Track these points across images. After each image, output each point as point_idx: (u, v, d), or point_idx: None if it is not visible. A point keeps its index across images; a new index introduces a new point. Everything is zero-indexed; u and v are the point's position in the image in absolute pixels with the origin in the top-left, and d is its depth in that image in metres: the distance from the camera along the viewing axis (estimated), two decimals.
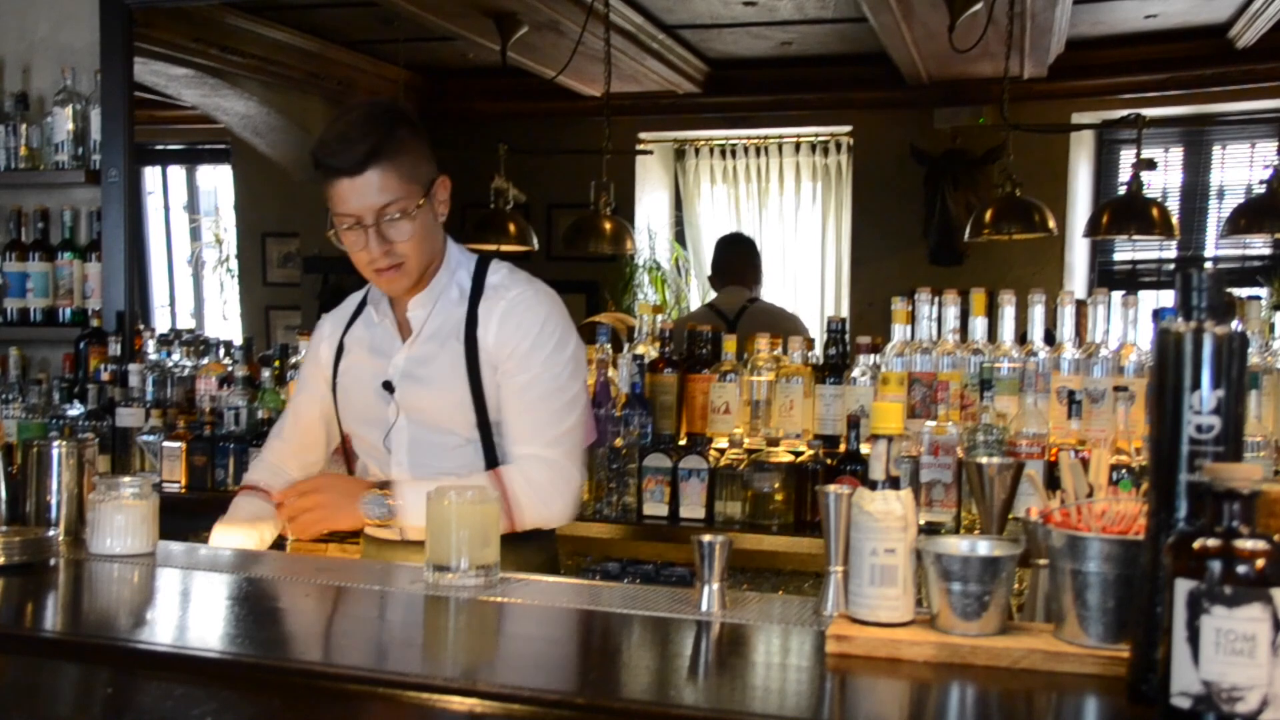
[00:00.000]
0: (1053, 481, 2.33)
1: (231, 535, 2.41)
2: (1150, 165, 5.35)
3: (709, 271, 5.29)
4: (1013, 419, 2.85)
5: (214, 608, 1.86)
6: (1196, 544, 1.17)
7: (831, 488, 1.68)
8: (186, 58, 5.89)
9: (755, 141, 7.92)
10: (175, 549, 2.19)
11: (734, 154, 8.01)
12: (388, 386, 2.32)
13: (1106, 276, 7.10)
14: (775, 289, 7.27)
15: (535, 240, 5.94)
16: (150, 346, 3.99)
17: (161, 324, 8.21)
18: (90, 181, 4.13)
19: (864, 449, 2.99)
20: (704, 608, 1.72)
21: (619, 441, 3.21)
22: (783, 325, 4.30)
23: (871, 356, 3.23)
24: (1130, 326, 3.09)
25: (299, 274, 7.67)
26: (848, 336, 3.29)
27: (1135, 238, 5.98)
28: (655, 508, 3.20)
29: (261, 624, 1.79)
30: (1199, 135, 7.02)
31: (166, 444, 3.62)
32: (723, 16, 6.11)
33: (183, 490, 3.57)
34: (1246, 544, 1.15)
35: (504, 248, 5.56)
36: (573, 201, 6.36)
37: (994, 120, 6.14)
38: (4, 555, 1.96)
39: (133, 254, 4.22)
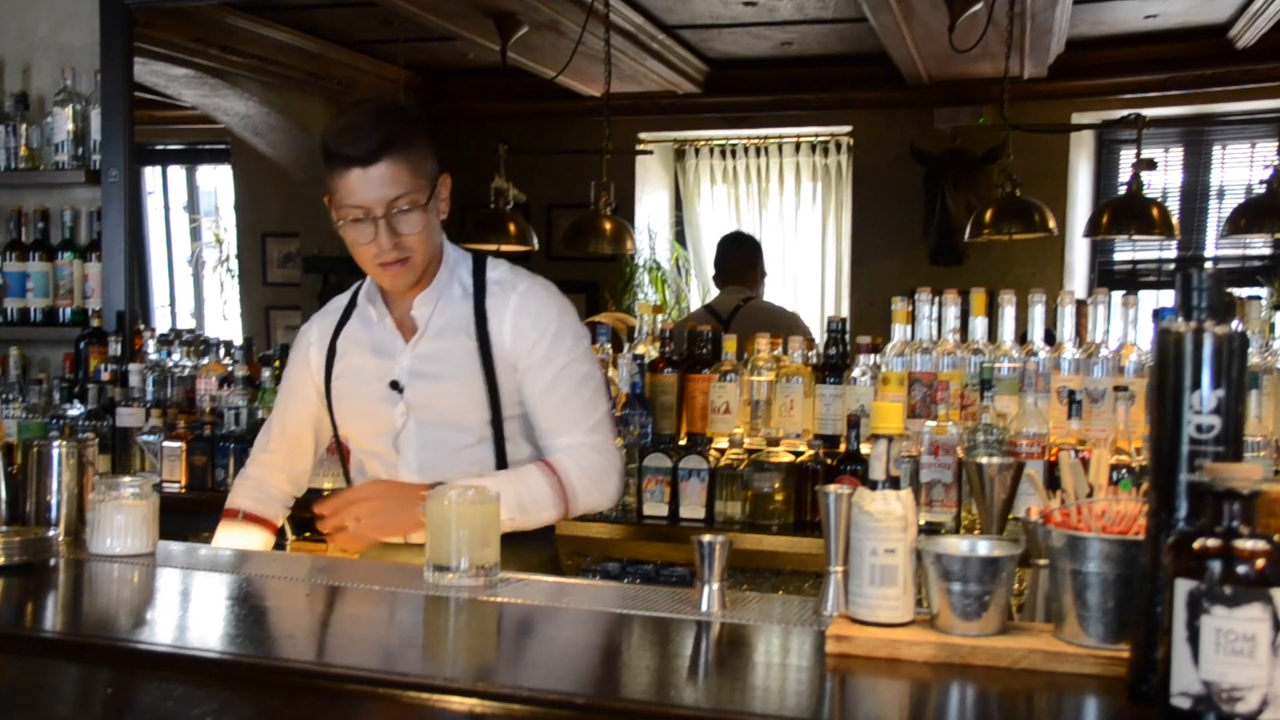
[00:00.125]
0: (1053, 481, 2.33)
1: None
2: (1150, 165, 5.35)
3: (712, 271, 5.30)
4: (1013, 419, 2.85)
5: (214, 608, 1.86)
6: (1196, 544, 1.17)
7: (831, 488, 1.68)
8: (186, 58, 5.89)
9: (755, 141, 7.93)
10: (175, 549, 2.19)
11: (734, 154, 8.01)
12: (395, 386, 2.29)
13: (1107, 276, 7.10)
14: (775, 289, 7.27)
15: (535, 240, 5.94)
16: (150, 346, 3.99)
17: (161, 324, 8.21)
18: (90, 181, 4.13)
19: (864, 449, 2.99)
20: (704, 608, 1.72)
21: (619, 441, 3.20)
22: (779, 323, 4.30)
23: (871, 356, 3.23)
24: (1130, 326, 3.09)
25: (299, 274, 7.67)
26: (848, 336, 3.29)
27: (1135, 238, 5.98)
28: (655, 508, 3.20)
29: (262, 624, 1.79)
30: (1199, 135, 7.02)
31: (166, 444, 3.62)
32: (723, 16, 6.11)
33: (183, 490, 3.57)
34: (1246, 544, 1.15)
35: (504, 248, 5.56)
36: (573, 201, 6.36)
37: (994, 120, 6.14)
38: (4, 555, 1.96)
39: (133, 254, 4.22)
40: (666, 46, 6.44)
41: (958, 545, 1.53)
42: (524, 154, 6.14)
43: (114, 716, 1.48)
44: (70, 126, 4.14)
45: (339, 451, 2.53)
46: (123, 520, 2.08)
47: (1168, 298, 6.36)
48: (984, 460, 1.84)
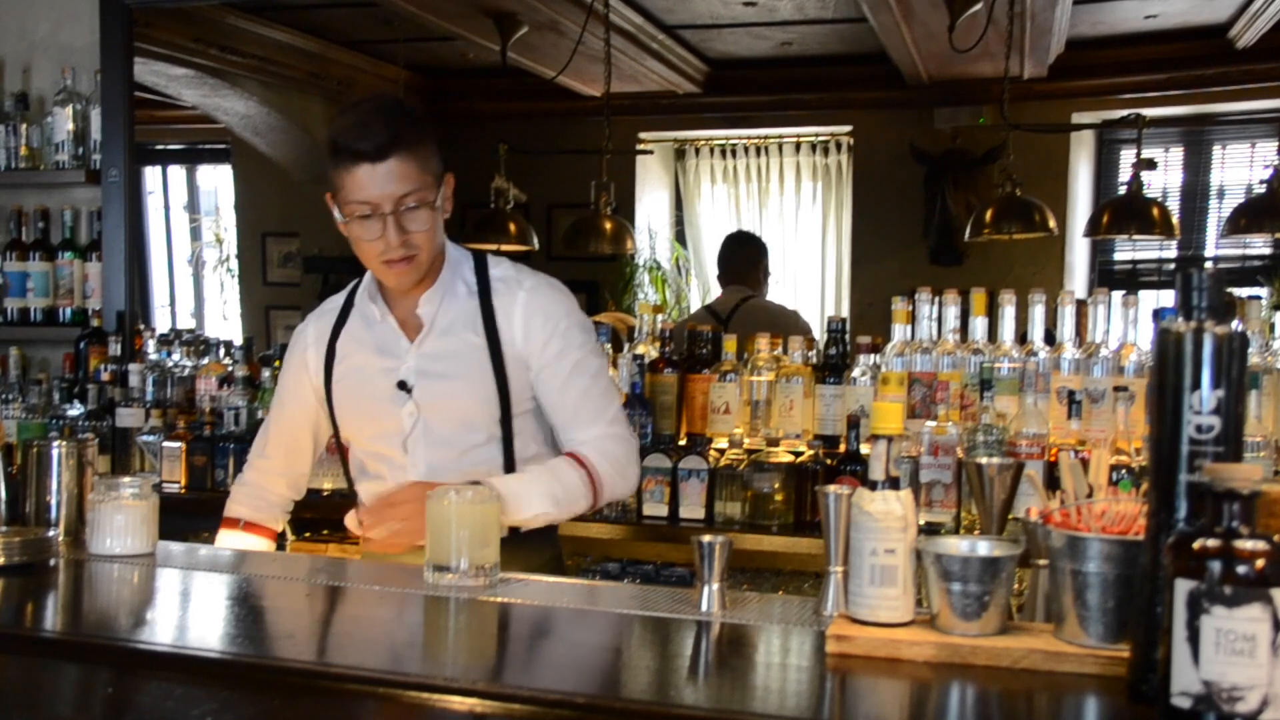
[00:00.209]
0: (1053, 481, 2.33)
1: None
2: (1150, 165, 5.35)
3: (712, 271, 5.30)
4: (1013, 419, 2.85)
5: (214, 608, 1.86)
6: (1196, 544, 1.17)
7: (831, 488, 1.68)
8: (186, 58, 5.88)
9: (755, 141, 7.93)
10: (175, 549, 2.19)
11: (734, 154, 8.01)
12: (403, 387, 2.26)
13: (1107, 276, 7.10)
14: (776, 289, 7.27)
15: (535, 240, 5.94)
16: (150, 346, 3.99)
17: (161, 324, 8.21)
18: (90, 181, 4.13)
19: (864, 449, 2.99)
20: (704, 608, 1.72)
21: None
22: (778, 322, 4.30)
23: (871, 356, 3.23)
24: (1130, 326, 3.09)
25: (299, 274, 7.67)
26: (848, 336, 3.29)
27: (1135, 238, 5.98)
28: (655, 508, 3.20)
29: (261, 624, 1.79)
30: (1199, 135, 7.02)
31: (166, 444, 3.62)
32: (723, 16, 6.11)
33: (183, 490, 3.57)
34: (1246, 544, 1.15)
35: (504, 248, 5.56)
36: (573, 201, 6.36)
37: (994, 120, 6.14)
38: (4, 555, 1.96)
39: (133, 254, 4.22)
40: (666, 46, 6.44)
41: (958, 545, 1.53)
42: (524, 154, 6.14)
43: (114, 716, 1.48)
44: (70, 126, 4.14)
45: (339, 451, 2.50)
46: (123, 520, 2.08)
47: (1168, 298, 6.36)
48: (984, 460, 1.84)
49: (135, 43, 4.26)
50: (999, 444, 2.75)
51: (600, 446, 2.28)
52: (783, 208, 7.96)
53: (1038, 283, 3.49)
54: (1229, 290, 2.32)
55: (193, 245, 8.72)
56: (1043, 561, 1.65)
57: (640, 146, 7.55)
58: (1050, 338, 3.19)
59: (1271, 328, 3.20)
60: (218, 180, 8.59)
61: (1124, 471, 2.62)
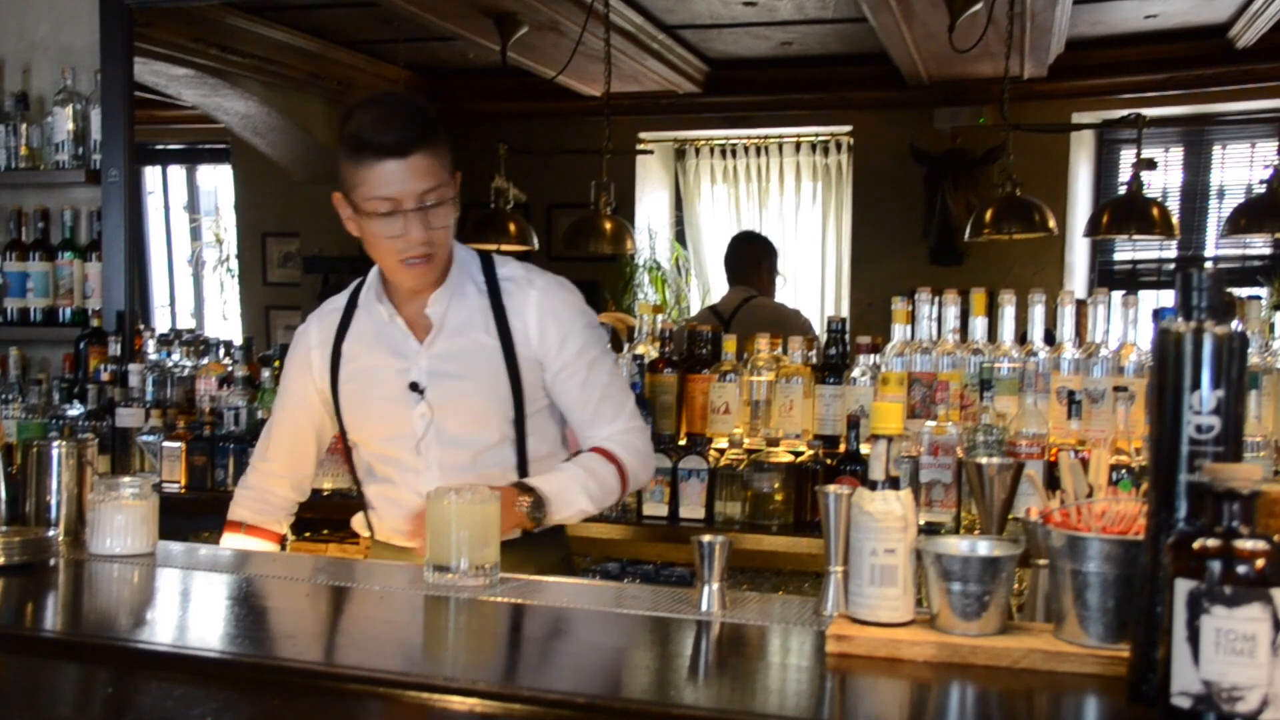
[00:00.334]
0: (1053, 481, 2.33)
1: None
2: (1150, 165, 5.35)
3: (711, 271, 5.30)
4: (1013, 419, 2.85)
5: (214, 608, 1.86)
6: (1196, 544, 1.17)
7: (831, 488, 1.68)
8: (186, 58, 5.88)
9: (755, 141, 7.93)
10: (175, 549, 2.19)
11: (734, 154, 8.01)
12: (415, 388, 2.24)
13: (1107, 276, 7.10)
14: (776, 288, 7.27)
15: (535, 240, 5.94)
16: (150, 346, 3.99)
17: (161, 324, 8.21)
18: (90, 181, 4.13)
19: (864, 449, 2.99)
20: (704, 608, 1.72)
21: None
22: (780, 322, 4.30)
23: (871, 356, 3.23)
24: (1130, 326, 3.08)
25: (299, 274, 7.67)
26: (848, 336, 3.29)
27: (1135, 237, 5.98)
28: (655, 508, 3.20)
29: (262, 624, 1.79)
30: (1199, 135, 7.02)
31: (166, 444, 3.62)
32: (723, 16, 6.11)
33: (183, 490, 3.57)
34: (1246, 544, 1.15)
35: (504, 248, 5.56)
36: (573, 201, 6.36)
37: (994, 120, 6.14)
38: (4, 555, 1.96)
39: (133, 254, 4.22)
40: (666, 46, 6.44)
41: (958, 545, 1.53)
42: (524, 154, 6.14)
43: (114, 716, 1.48)
44: (70, 126, 4.13)
45: (345, 453, 2.48)
46: (123, 520, 2.08)
47: (1168, 298, 6.36)
48: (984, 460, 1.84)
49: (135, 43, 4.25)
50: (999, 444, 2.75)
51: (624, 440, 2.29)
52: (783, 208, 7.96)
53: (1038, 283, 3.49)
54: (1229, 290, 2.32)
55: (193, 245, 8.72)
56: (1043, 561, 1.65)
57: (640, 146, 7.55)
58: (1050, 338, 3.19)
59: (1271, 328, 3.20)
60: (218, 180, 8.59)
61: (1124, 471, 2.62)
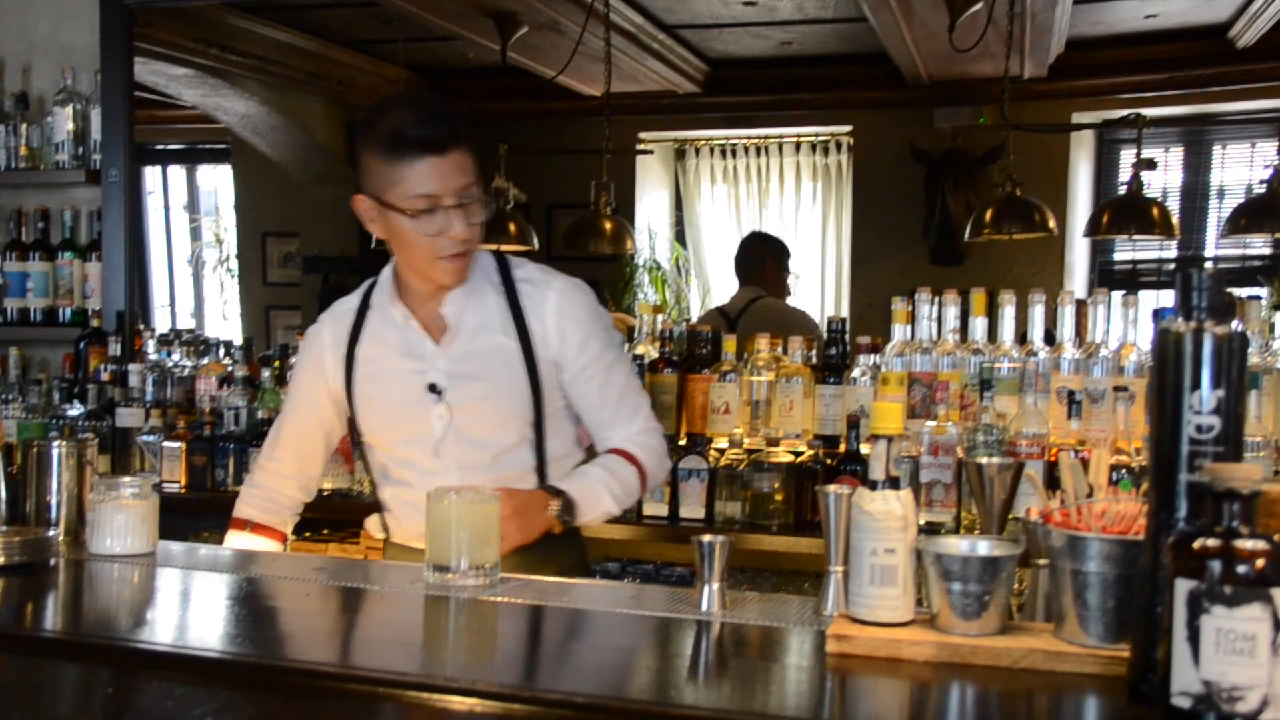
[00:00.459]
0: (1053, 481, 2.33)
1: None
2: (1150, 165, 5.35)
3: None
4: (1013, 419, 2.85)
5: (214, 608, 1.86)
6: (1196, 544, 1.17)
7: (831, 488, 1.68)
8: (186, 58, 5.89)
9: (755, 141, 7.93)
10: (175, 549, 2.19)
11: (734, 154, 8.01)
12: (434, 389, 2.22)
13: (1107, 276, 7.11)
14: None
15: (535, 240, 5.94)
16: (150, 346, 3.99)
17: (161, 324, 8.21)
18: (90, 181, 4.13)
19: (864, 449, 2.99)
20: (704, 608, 1.72)
21: None
22: (785, 322, 4.29)
23: (871, 356, 3.23)
24: (1130, 326, 3.08)
25: (299, 274, 7.67)
26: (848, 336, 3.29)
27: (1135, 237, 5.97)
28: (655, 508, 3.20)
29: (261, 624, 1.79)
30: (1199, 135, 7.02)
31: (166, 444, 3.62)
32: (723, 16, 6.11)
33: (183, 490, 3.57)
34: (1246, 544, 1.15)
35: (504, 248, 5.55)
36: (573, 201, 6.36)
37: (994, 120, 6.14)
38: (4, 555, 1.96)
39: (133, 254, 4.22)
40: (666, 46, 6.44)
41: (958, 545, 1.53)
42: (524, 154, 6.14)
43: (114, 716, 1.48)
44: (70, 126, 4.13)
45: (356, 452, 2.46)
46: (123, 520, 2.08)
47: (1168, 298, 6.36)
48: (984, 460, 1.84)
49: (135, 43, 4.25)
50: (999, 444, 2.75)
51: (642, 441, 2.30)
52: (783, 208, 7.96)
53: (1038, 283, 3.48)
54: (1229, 290, 2.33)
55: (193, 245, 8.73)
56: (1043, 561, 1.65)
57: (640, 146, 7.55)
58: (1050, 338, 3.19)
59: (1271, 328, 3.20)
60: (218, 180, 8.60)
61: (1124, 471, 2.62)
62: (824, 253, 7.86)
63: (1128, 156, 6.82)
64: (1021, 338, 3.13)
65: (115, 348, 3.98)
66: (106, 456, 3.55)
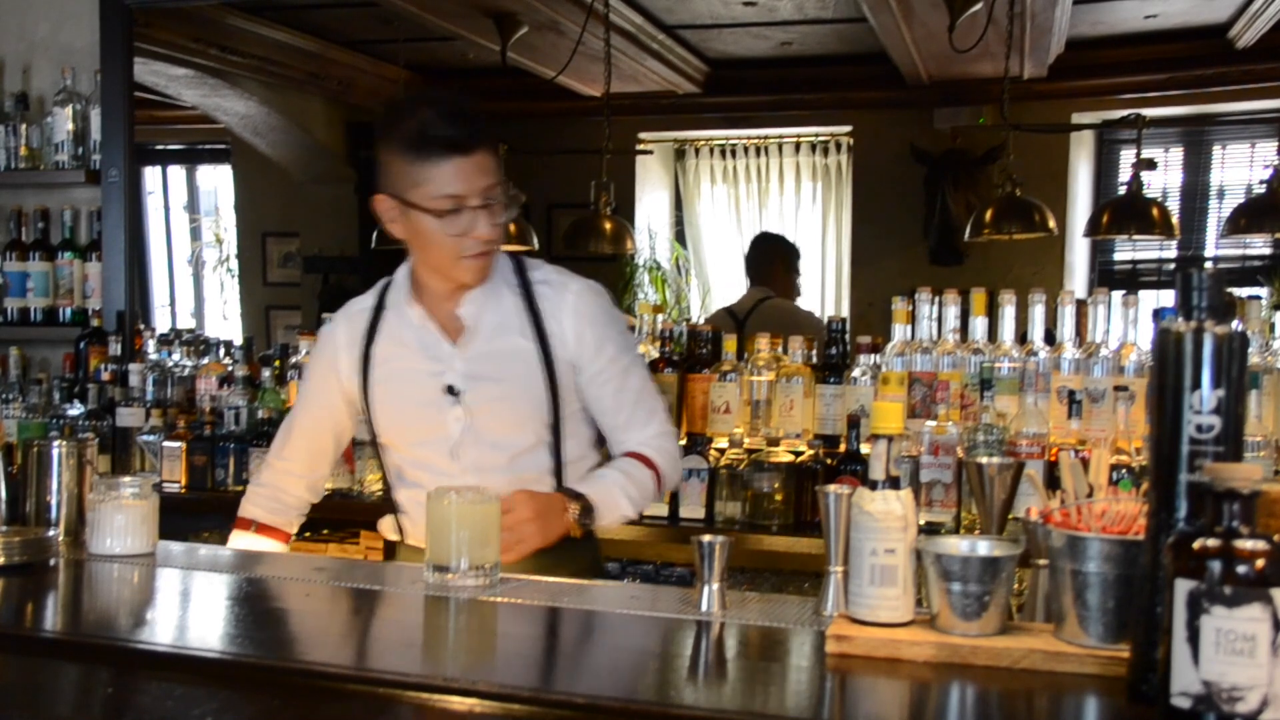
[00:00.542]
0: (1053, 481, 2.33)
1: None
2: (1150, 165, 5.35)
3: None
4: (1013, 419, 2.85)
5: (214, 608, 1.86)
6: (1196, 544, 1.17)
7: (831, 488, 1.68)
8: (186, 58, 5.88)
9: (755, 141, 7.93)
10: (175, 549, 2.18)
11: (734, 154, 8.01)
12: (452, 391, 2.22)
13: (1107, 276, 7.11)
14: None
15: (535, 240, 5.93)
16: (150, 346, 3.99)
17: (162, 324, 8.21)
18: (90, 181, 4.13)
19: (864, 449, 2.99)
20: (704, 608, 1.72)
21: None
22: (793, 323, 4.29)
23: (871, 356, 3.23)
24: (1130, 326, 3.08)
25: (299, 274, 7.67)
26: (848, 336, 3.29)
27: (1135, 237, 5.97)
28: (655, 508, 3.20)
29: (261, 624, 1.79)
30: (1199, 135, 7.02)
31: (166, 444, 3.62)
32: (723, 16, 6.11)
33: (183, 490, 3.57)
34: (1246, 544, 1.15)
35: (504, 248, 5.54)
36: (573, 201, 6.36)
37: (994, 120, 6.14)
38: (4, 555, 1.96)
39: (133, 254, 4.22)
40: (666, 46, 6.44)
41: (958, 545, 1.53)
42: (524, 154, 6.14)
43: (114, 716, 1.48)
44: (70, 126, 4.13)
45: (377, 453, 2.45)
46: (123, 520, 2.08)
47: (1168, 298, 6.36)
48: (984, 460, 1.84)
49: (135, 43, 4.25)
50: (999, 444, 2.75)
51: (658, 445, 2.30)
52: (783, 208, 7.96)
53: (1038, 283, 3.49)
54: (1229, 290, 2.32)
55: (193, 245, 8.73)
56: (1043, 561, 1.65)
57: (640, 146, 7.55)
58: (1050, 338, 3.19)
59: (1271, 328, 3.20)
60: (218, 180, 8.60)
61: (1124, 471, 2.62)
62: (824, 253, 7.86)
63: (1128, 156, 6.82)
64: (1022, 337, 3.14)
65: (115, 347, 3.98)
66: (106, 456, 3.55)
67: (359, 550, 3.43)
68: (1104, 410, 2.94)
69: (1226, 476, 1.18)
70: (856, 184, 7.53)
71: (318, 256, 7.41)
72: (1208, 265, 7.05)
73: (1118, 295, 3.11)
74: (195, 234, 8.73)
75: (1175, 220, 5.52)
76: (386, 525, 2.42)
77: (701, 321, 5.21)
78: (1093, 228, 5.58)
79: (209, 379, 3.80)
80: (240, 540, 2.41)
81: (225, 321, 8.37)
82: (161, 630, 1.75)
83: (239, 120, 6.95)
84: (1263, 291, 5.87)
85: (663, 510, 3.20)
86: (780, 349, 3.40)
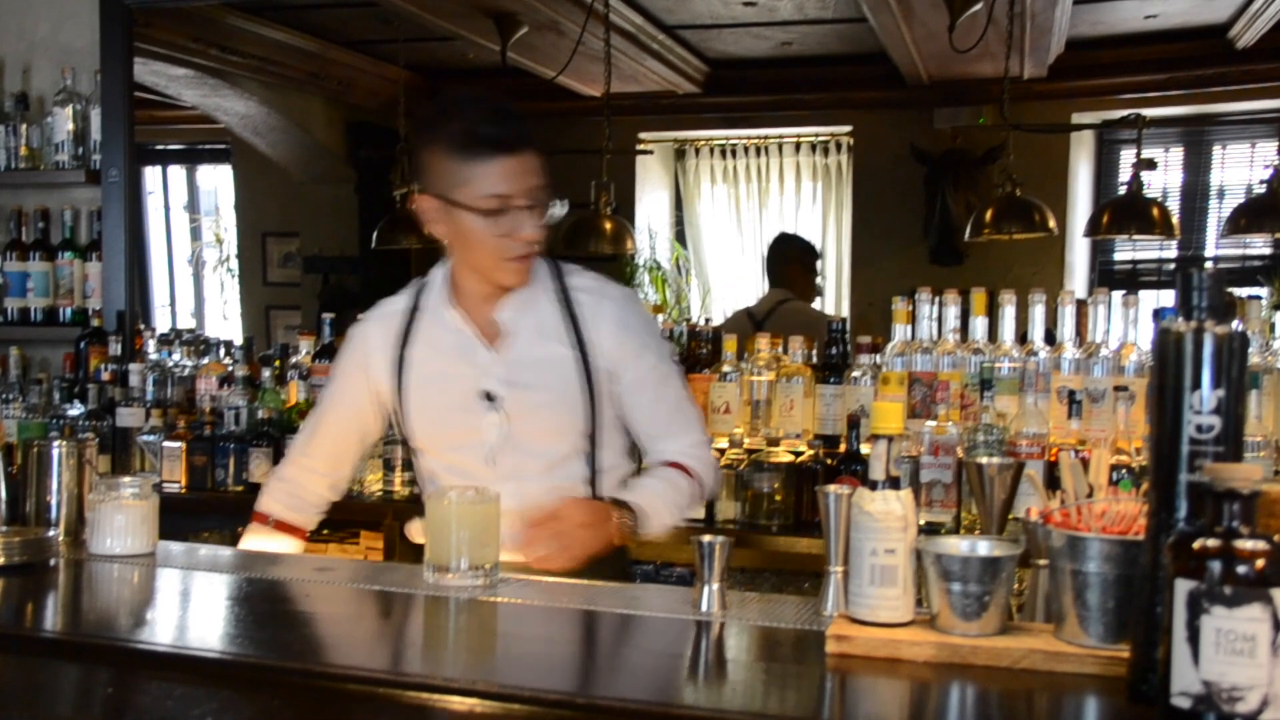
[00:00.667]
0: (1053, 481, 2.33)
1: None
2: (1150, 165, 5.35)
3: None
4: (1013, 419, 2.85)
5: (214, 608, 1.86)
6: (1196, 544, 1.17)
7: (831, 488, 1.68)
8: (186, 58, 5.88)
9: (755, 141, 7.93)
10: (175, 549, 2.18)
11: (734, 154, 8.01)
12: (490, 397, 2.19)
13: (1107, 276, 7.11)
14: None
15: None
16: (150, 346, 3.99)
17: (162, 324, 8.21)
18: (90, 181, 4.13)
19: (864, 449, 2.99)
20: (704, 608, 1.72)
21: None
22: (811, 326, 4.28)
23: (871, 356, 3.23)
24: (1130, 326, 3.09)
25: (299, 274, 7.67)
26: (848, 336, 3.29)
27: (1135, 237, 5.98)
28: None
29: (261, 624, 1.79)
30: (1199, 135, 7.02)
31: (166, 444, 3.62)
32: (723, 16, 6.11)
33: (183, 490, 3.57)
34: (1246, 544, 1.15)
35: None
36: (573, 201, 6.33)
37: (994, 120, 6.14)
38: (4, 555, 1.96)
39: (133, 254, 4.22)
40: (666, 46, 6.44)
41: (958, 545, 1.53)
42: None
43: (114, 716, 1.48)
44: (70, 126, 4.13)
45: (408, 455, 2.45)
46: (123, 520, 2.08)
47: (1168, 298, 6.36)
48: (984, 460, 1.84)
49: (135, 43, 4.25)
50: (999, 444, 2.75)
51: (697, 454, 2.29)
52: (783, 208, 7.96)
53: (1038, 283, 3.49)
54: (1229, 290, 2.32)
55: (193, 245, 8.72)
56: (1043, 561, 1.65)
57: (640, 146, 7.55)
58: (1050, 338, 3.19)
59: (1271, 328, 3.20)
60: (218, 180, 8.60)
61: (1124, 471, 2.62)
62: (824, 253, 7.86)
63: (1128, 156, 6.82)
64: (1022, 337, 3.14)
65: (115, 347, 3.98)
66: (106, 456, 3.56)
67: (359, 550, 3.44)
68: (1104, 410, 2.94)
69: (1226, 476, 1.18)
70: (856, 184, 7.53)
71: (318, 256, 7.41)
72: (1208, 265, 7.05)
73: (1118, 295, 3.11)
74: (195, 234, 8.73)
75: (1175, 220, 5.53)
76: (416, 529, 2.36)
77: (719, 322, 5.19)
78: (1093, 228, 5.58)
79: (209, 379, 3.80)
80: (256, 534, 2.39)
81: (225, 321, 8.37)
82: (161, 630, 1.75)
83: (239, 120, 6.94)
84: (1263, 291, 5.87)
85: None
86: (780, 349, 3.40)
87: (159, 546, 2.14)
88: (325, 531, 3.41)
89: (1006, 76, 5.04)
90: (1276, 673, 1.13)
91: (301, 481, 2.42)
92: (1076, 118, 6.76)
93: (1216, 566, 1.15)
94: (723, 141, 7.99)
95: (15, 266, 4.17)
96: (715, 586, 1.73)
